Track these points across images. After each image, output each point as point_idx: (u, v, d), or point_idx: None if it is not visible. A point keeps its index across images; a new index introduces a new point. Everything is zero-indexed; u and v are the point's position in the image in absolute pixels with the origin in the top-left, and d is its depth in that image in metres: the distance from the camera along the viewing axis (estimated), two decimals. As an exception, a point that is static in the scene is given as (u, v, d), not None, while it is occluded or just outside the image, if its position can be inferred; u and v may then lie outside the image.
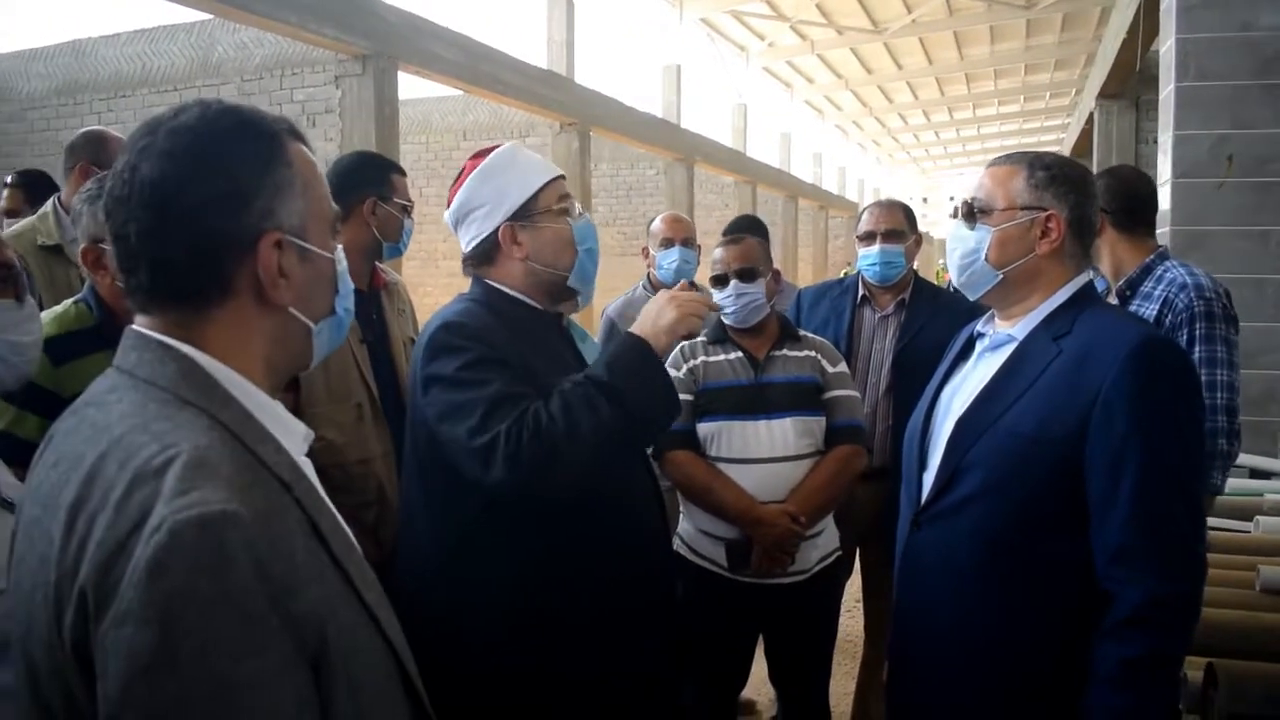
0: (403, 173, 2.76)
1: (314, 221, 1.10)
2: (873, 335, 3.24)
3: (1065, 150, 13.85)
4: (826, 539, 2.70)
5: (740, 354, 2.70)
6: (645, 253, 3.95)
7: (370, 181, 2.63)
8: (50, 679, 0.91)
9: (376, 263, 2.72)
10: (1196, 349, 2.58)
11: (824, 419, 2.66)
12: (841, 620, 3.25)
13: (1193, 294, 2.60)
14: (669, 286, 3.77)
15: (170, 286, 1.02)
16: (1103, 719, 1.58)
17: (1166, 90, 4.93)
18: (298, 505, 0.98)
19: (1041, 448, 1.65)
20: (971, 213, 1.82)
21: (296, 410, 2.33)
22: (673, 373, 2.63)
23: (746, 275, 2.68)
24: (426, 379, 1.83)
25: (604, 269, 2.09)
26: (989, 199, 1.80)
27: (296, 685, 0.89)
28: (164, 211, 1.00)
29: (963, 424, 1.77)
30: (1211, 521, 2.90)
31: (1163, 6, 5.07)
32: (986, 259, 1.79)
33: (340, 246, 1.17)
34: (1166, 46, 4.95)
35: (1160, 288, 2.68)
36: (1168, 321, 2.60)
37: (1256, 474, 3.98)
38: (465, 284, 2.07)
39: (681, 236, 3.82)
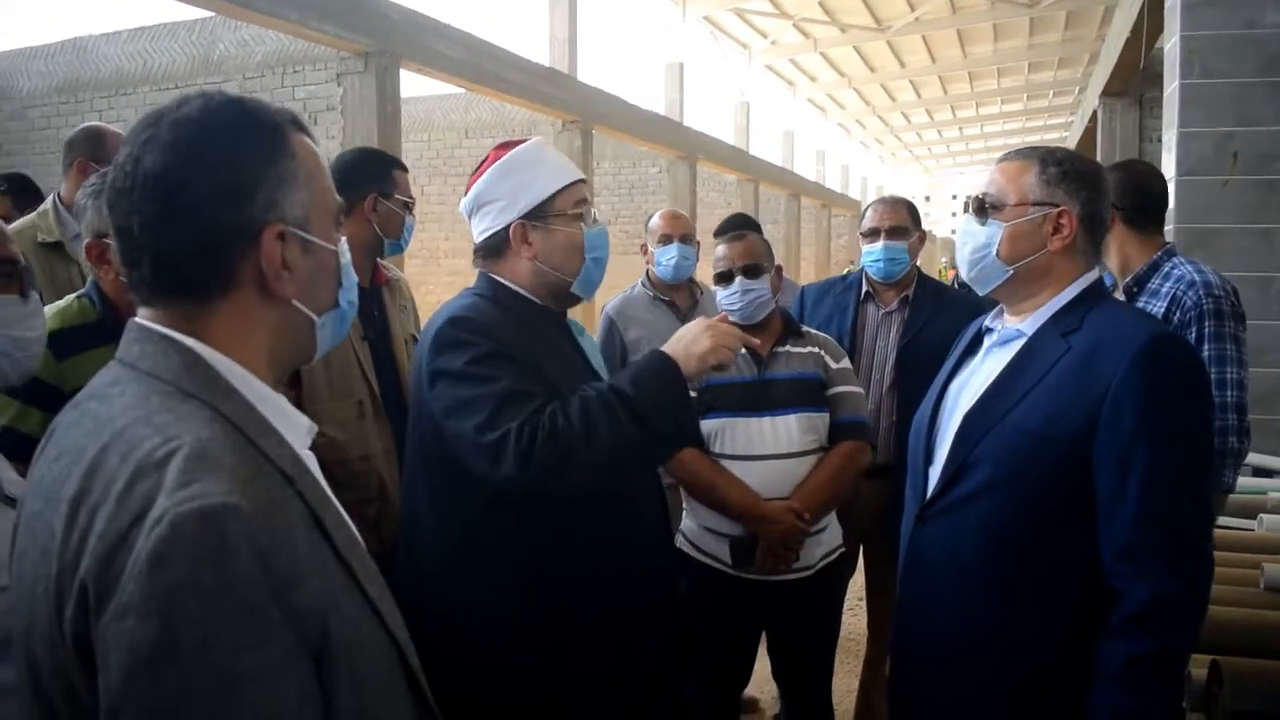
0: (404, 169, 2.75)
1: (317, 213, 1.09)
2: (876, 332, 3.23)
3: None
4: (830, 535, 2.69)
5: (744, 350, 2.69)
6: (644, 249, 3.94)
7: (372, 177, 2.63)
8: (51, 673, 0.90)
9: (378, 259, 2.71)
10: (1206, 347, 2.56)
11: (828, 415, 2.66)
12: (845, 618, 3.24)
13: (1201, 292, 2.58)
14: (668, 283, 3.79)
15: (173, 279, 1.02)
16: (1107, 717, 1.57)
17: (1171, 88, 4.92)
18: (300, 498, 0.97)
19: (1049, 444, 1.64)
20: (983, 208, 1.81)
21: (298, 406, 2.32)
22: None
23: (752, 271, 2.67)
24: (433, 373, 1.82)
25: (607, 267, 2.08)
26: (1000, 194, 1.79)
27: (299, 678, 0.88)
28: (167, 204, 0.99)
29: (970, 419, 1.77)
30: (1215, 520, 2.89)
31: (1167, 4, 5.05)
32: (997, 254, 1.78)
33: (344, 238, 1.16)
34: (1171, 44, 4.93)
35: (1168, 285, 2.66)
36: (1176, 319, 2.59)
37: (1260, 472, 3.98)
38: (466, 283, 2.07)
39: (680, 233, 3.81)
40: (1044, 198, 1.75)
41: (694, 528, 2.69)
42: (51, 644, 0.90)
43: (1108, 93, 9.65)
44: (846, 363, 2.78)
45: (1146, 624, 1.55)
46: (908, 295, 3.24)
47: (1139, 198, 2.73)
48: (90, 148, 3.12)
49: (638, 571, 1.94)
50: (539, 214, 1.93)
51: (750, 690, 3.43)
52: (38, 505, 0.97)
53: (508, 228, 1.93)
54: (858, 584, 3.51)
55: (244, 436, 0.97)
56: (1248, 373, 2.63)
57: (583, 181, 2.01)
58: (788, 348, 2.71)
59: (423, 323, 2.83)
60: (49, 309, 2.11)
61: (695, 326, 1.88)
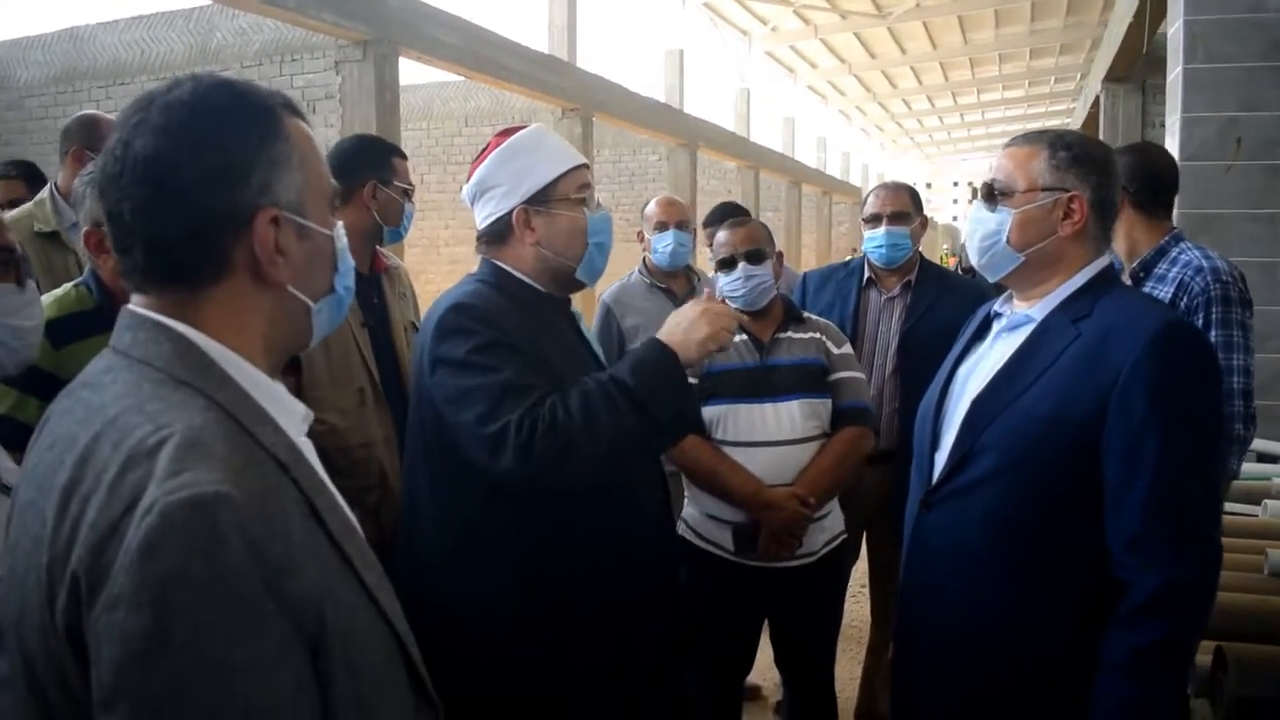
0: (404, 156, 2.74)
1: (312, 197, 1.07)
2: (878, 317, 3.22)
3: (1070, 134, 13.75)
4: (832, 522, 2.69)
5: (745, 337, 2.68)
6: (640, 237, 3.92)
7: (371, 164, 2.62)
8: (45, 665, 0.89)
9: (377, 247, 2.70)
10: (1212, 333, 2.54)
11: (830, 401, 2.65)
12: (848, 605, 3.24)
13: (1209, 277, 2.56)
14: (665, 270, 3.78)
15: (165, 265, 1.00)
16: (1113, 706, 1.56)
17: (1174, 73, 4.89)
18: (295, 486, 0.96)
19: (1057, 430, 1.63)
20: (992, 194, 1.79)
21: (298, 394, 2.32)
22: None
23: (754, 257, 2.66)
24: (435, 360, 1.81)
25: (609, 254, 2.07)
26: (1009, 180, 1.77)
27: (293, 668, 0.87)
28: (158, 188, 0.97)
29: (978, 405, 1.75)
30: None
31: (1170, -12, 5.02)
32: (1008, 241, 1.76)
33: (340, 223, 1.15)
34: (1174, 28, 4.90)
35: (1175, 270, 2.64)
36: (1183, 304, 2.57)
37: (1265, 458, 3.97)
38: (466, 272, 2.06)
39: (676, 219, 3.79)
40: (1054, 183, 1.73)
41: (696, 515, 2.68)
42: (44, 635, 0.89)
43: (1110, 78, 9.61)
44: (848, 348, 2.77)
45: (1154, 613, 1.54)
46: (910, 281, 3.23)
47: (1149, 181, 2.70)
48: (86, 136, 3.10)
49: (639, 561, 1.94)
50: (541, 199, 1.92)
51: (753, 678, 3.42)
52: (31, 494, 0.96)
53: (511, 213, 1.92)
54: (860, 571, 3.50)
55: (237, 424, 0.95)
56: (1253, 359, 2.62)
57: (585, 166, 2.00)
58: (789, 333, 2.70)
59: (423, 311, 2.83)
60: (46, 297, 2.11)
61: (690, 311, 1.87)
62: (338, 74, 6.87)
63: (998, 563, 1.69)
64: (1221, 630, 2.14)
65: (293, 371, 2.34)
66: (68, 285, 2.18)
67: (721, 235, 2.76)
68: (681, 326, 1.84)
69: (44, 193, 3.16)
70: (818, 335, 2.72)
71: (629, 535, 1.92)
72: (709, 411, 2.62)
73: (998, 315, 1.89)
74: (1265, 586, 2.46)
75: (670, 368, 1.79)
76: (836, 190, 22.25)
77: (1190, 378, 1.60)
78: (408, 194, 2.68)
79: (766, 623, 2.77)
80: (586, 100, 9.68)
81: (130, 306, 1.03)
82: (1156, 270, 2.69)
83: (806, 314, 2.82)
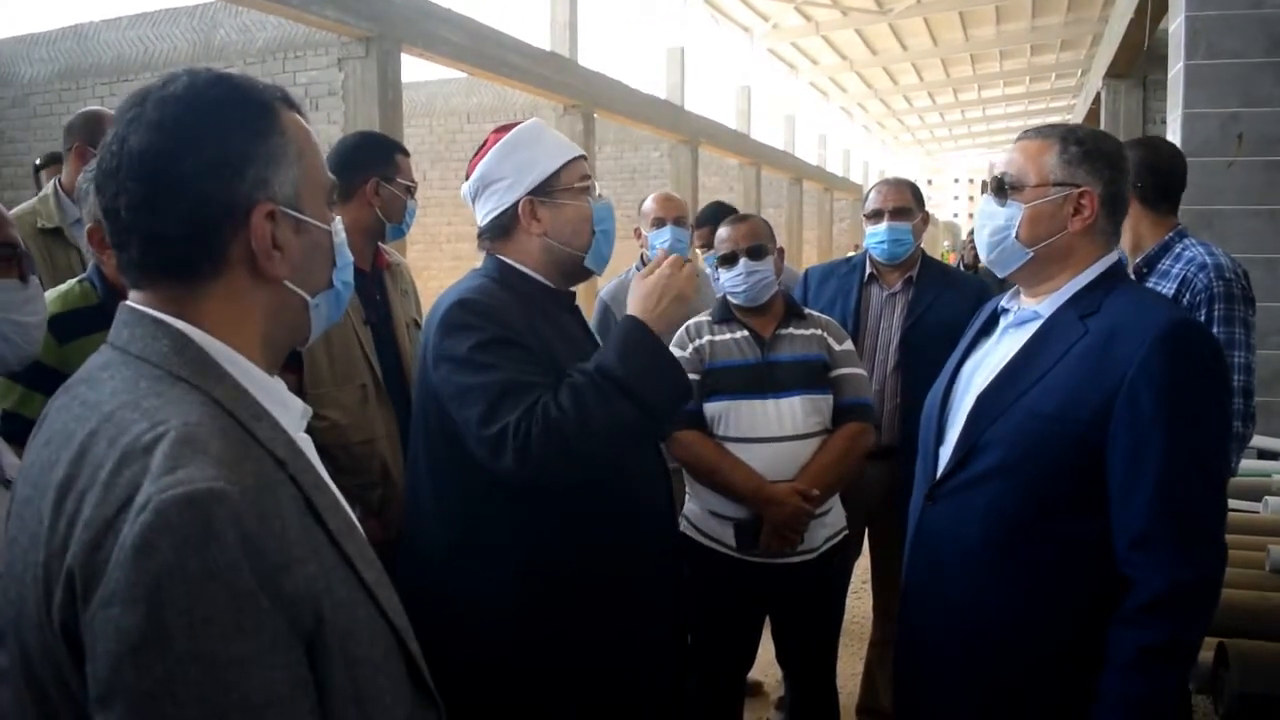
0: (406, 153, 2.74)
1: (309, 191, 1.07)
2: (880, 313, 3.22)
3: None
4: (834, 518, 2.69)
5: (746, 333, 2.68)
6: (638, 234, 3.90)
7: (373, 161, 2.62)
8: (42, 661, 0.89)
9: (380, 243, 2.70)
10: (1215, 330, 2.53)
11: (831, 397, 2.65)
12: (850, 600, 3.24)
13: (1212, 274, 2.55)
14: None
15: (162, 261, 1.00)
16: (1117, 704, 1.56)
17: (1176, 68, 4.89)
18: (292, 482, 0.95)
19: (1062, 428, 1.62)
20: (1002, 188, 1.77)
21: (300, 391, 2.32)
22: (678, 352, 2.62)
23: (756, 253, 2.66)
24: (438, 357, 1.81)
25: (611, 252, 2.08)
26: (1020, 174, 1.75)
27: (289, 664, 0.87)
28: (154, 183, 0.97)
29: (983, 401, 1.75)
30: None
31: (1172, -16, 5.02)
32: (1017, 236, 1.75)
33: (338, 218, 1.14)
34: (1176, 24, 4.90)
35: (1179, 266, 2.63)
36: (1185, 301, 2.56)
37: (1266, 454, 3.97)
38: (468, 268, 2.06)
39: (673, 215, 3.77)
40: (1065, 178, 1.72)
41: (697, 511, 2.68)
42: (41, 632, 0.89)
43: (1112, 74, 9.60)
44: (849, 344, 2.77)
45: (1159, 613, 1.53)
46: (911, 277, 3.22)
47: (1156, 176, 2.69)
48: (89, 132, 3.11)
49: (643, 556, 1.94)
50: (545, 189, 1.93)
51: (754, 674, 3.42)
52: (28, 491, 0.96)
53: (516, 205, 1.92)
54: (863, 567, 3.50)
55: (234, 420, 0.95)
56: (1254, 356, 2.61)
57: (583, 157, 2.01)
58: (790, 330, 2.70)
59: (424, 308, 2.83)
60: (50, 293, 2.11)
61: (651, 281, 1.87)
62: (341, 71, 6.87)
63: (1000, 559, 1.68)
64: (1223, 627, 2.15)
65: (294, 369, 2.35)
66: (72, 281, 2.19)
67: (723, 231, 2.76)
68: (648, 296, 1.85)
69: (47, 189, 3.17)
70: (819, 331, 2.72)
71: (633, 530, 1.92)
72: (711, 408, 2.62)
73: (1004, 311, 1.88)
74: (1267, 583, 2.46)
75: (650, 342, 1.79)
76: (837, 187, 22.24)
77: (1198, 377, 1.59)
78: (410, 191, 2.69)
79: (768, 619, 2.77)
80: (588, 97, 9.67)
81: (128, 303, 1.03)
82: (1160, 266, 2.68)
83: (808, 310, 2.82)
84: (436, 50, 7.24)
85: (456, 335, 1.79)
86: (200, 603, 0.82)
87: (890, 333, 3.18)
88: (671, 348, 2.62)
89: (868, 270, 3.29)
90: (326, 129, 7.00)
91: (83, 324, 2.05)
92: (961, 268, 3.68)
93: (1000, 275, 1.85)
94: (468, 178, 1.99)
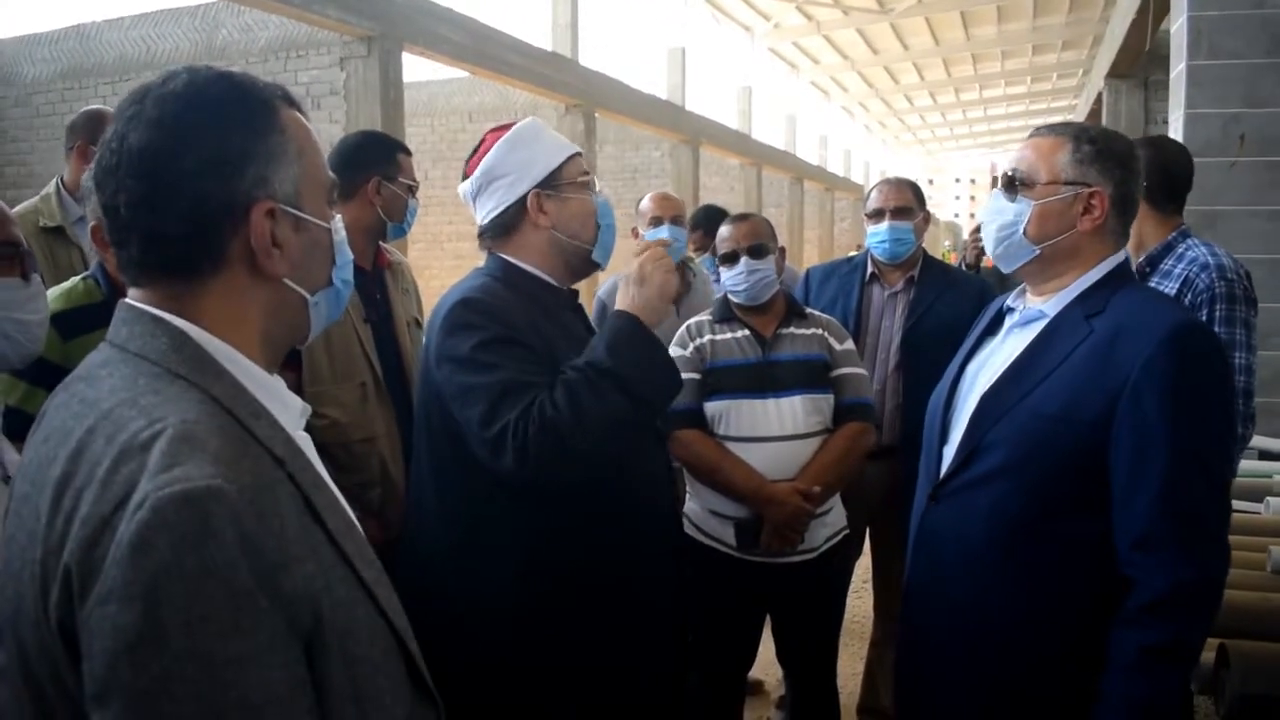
0: (408, 152, 2.74)
1: (309, 189, 1.07)
2: (881, 313, 3.22)
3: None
4: (834, 518, 2.69)
5: (747, 332, 2.68)
6: (635, 233, 3.90)
7: (375, 161, 2.62)
8: (39, 659, 0.89)
9: (381, 243, 2.70)
10: (1216, 330, 2.54)
11: (832, 397, 2.64)
12: (850, 600, 3.24)
13: (1214, 274, 2.54)
14: None
15: (161, 258, 1.00)
16: (1120, 704, 1.55)
17: (1177, 69, 4.88)
18: (291, 481, 0.95)
19: (1066, 429, 1.62)
20: (1012, 184, 1.76)
21: (299, 389, 2.33)
22: (679, 351, 2.63)
23: (757, 252, 2.66)
24: (441, 355, 1.81)
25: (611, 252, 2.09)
26: (1031, 171, 1.75)
27: (288, 663, 0.87)
28: (153, 181, 0.97)
29: (986, 401, 1.74)
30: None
31: (1174, -16, 5.01)
32: (1025, 233, 1.74)
33: (338, 216, 1.14)
34: (1178, 24, 4.90)
35: (1181, 266, 2.62)
36: (1187, 301, 2.55)
37: (1267, 455, 3.97)
38: (469, 267, 2.06)
39: (670, 214, 3.76)
40: (1076, 177, 1.71)
41: (698, 510, 2.68)
42: (38, 629, 0.88)
43: (1113, 74, 9.59)
44: (850, 344, 2.77)
45: (1162, 614, 1.53)
46: (913, 276, 3.22)
47: (1162, 176, 2.68)
48: (91, 131, 3.11)
49: (645, 556, 1.94)
50: (551, 183, 1.94)
51: (755, 673, 3.43)
52: (26, 488, 0.95)
53: (523, 199, 1.92)
54: (863, 566, 3.50)
55: (233, 418, 0.95)
56: (1255, 357, 2.61)
57: (581, 154, 2.02)
58: (791, 329, 2.70)
59: (426, 307, 2.83)
60: (54, 290, 2.13)
61: (633, 273, 1.87)
62: (342, 70, 6.87)
63: (1003, 559, 1.68)
64: (1224, 627, 2.14)
65: (293, 367, 2.35)
66: (75, 279, 2.20)
67: (724, 230, 2.76)
68: (634, 289, 1.85)
69: (49, 188, 3.17)
70: (820, 331, 2.72)
71: (636, 531, 1.92)
72: (711, 407, 2.62)
73: (1010, 310, 1.88)
74: (1268, 584, 2.46)
75: (640, 334, 1.80)
76: (838, 187, 22.24)
77: (1202, 378, 1.59)
78: (412, 190, 2.69)
79: (769, 618, 2.77)
80: (589, 96, 9.68)
81: (127, 300, 1.03)
82: (1163, 266, 2.67)
83: (809, 310, 2.82)
84: (438, 50, 7.24)
85: (459, 335, 1.79)
86: (197, 601, 0.81)
87: (891, 332, 3.18)
88: (672, 347, 2.63)
89: (869, 270, 3.29)
90: (328, 128, 7.00)
91: (86, 321, 2.07)
92: (963, 267, 3.68)
93: (1006, 271, 1.84)
94: (466, 177, 1.99)
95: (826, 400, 2.63)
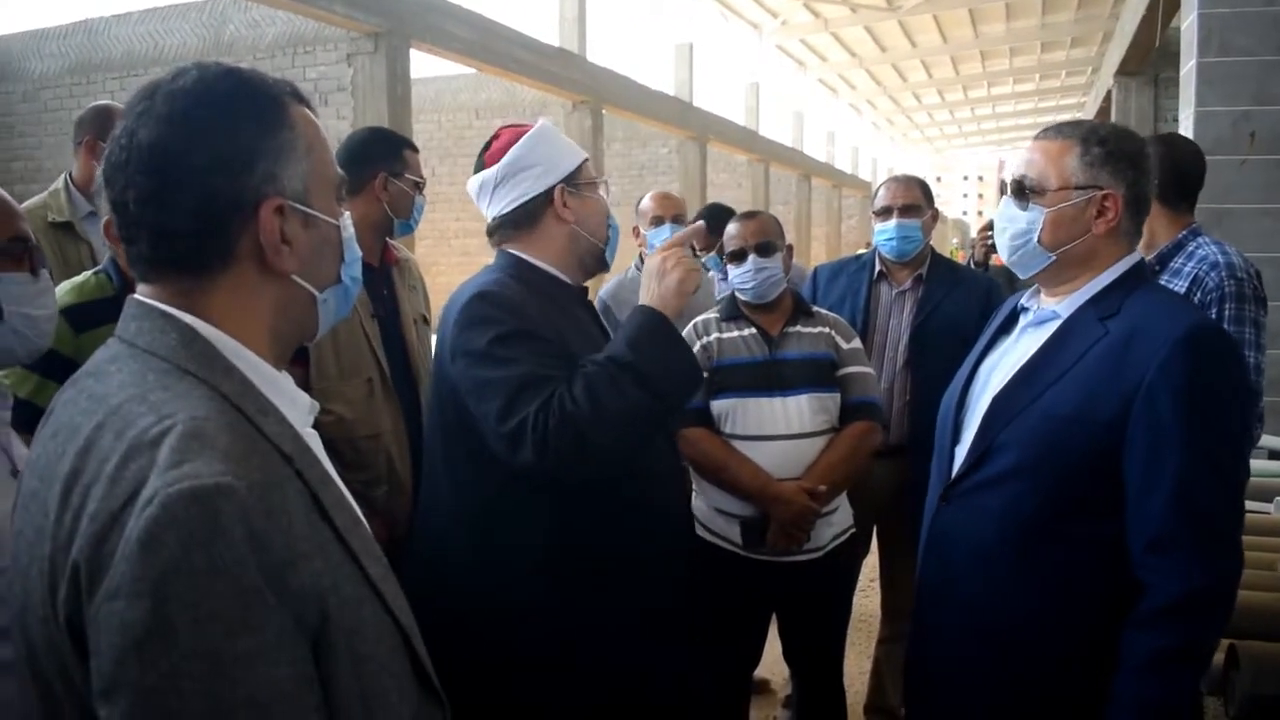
0: (415, 149, 2.74)
1: (318, 186, 1.06)
2: (890, 311, 3.21)
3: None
4: (840, 517, 2.68)
5: (754, 330, 2.67)
6: (636, 233, 3.88)
7: (382, 157, 2.61)
8: (47, 654, 0.89)
9: (388, 239, 2.70)
10: (1223, 326, 2.52)
11: (839, 395, 2.64)
12: (858, 599, 3.23)
13: (1224, 273, 2.53)
14: None
15: (170, 254, 1.00)
16: (1132, 706, 1.55)
17: (1188, 66, 4.87)
18: (299, 478, 0.95)
19: (1078, 431, 1.60)
20: (1022, 191, 1.74)
21: (306, 384, 2.33)
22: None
23: (765, 250, 2.65)
24: (457, 349, 1.81)
25: (617, 250, 2.10)
26: (1041, 178, 1.72)
27: (295, 659, 0.86)
28: (162, 176, 0.97)
29: (999, 402, 1.73)
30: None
31: (1185, -19, 5.00)
32: (1039, 241, 1.72)
33: (347, 213, 1.14)
34: (1188, 22, 4.88)
35: (1191, 264, 2.60)
36: (1197, 299, 2.54)
37: (1276, 455, 3.96)
38: (476, 264, 2.06)
39: (672, 213, 3.75)
40: (1087, 181, 1.68)
41: (704, 509, 2.68)
42: (46, 625, 0.89)
43: (1123, 72, 9.58)
44: (857, 343, 2.76)
45: (1175, 618, 1.52)
46: (921, 274, 3.21)
47: (1174, 174, 2.66)
48: (99, 126, 3.11)
49: (659, 555, 1.94)
50: (574, 180, 1.97)
51: (761, 671, 3.42)
52: (34, 484, 0.95)
53: (548, 192, 1.94)
54: (870, 565, 3.50)
55: (241, 415, 0.94)
56: (1265, 357, 2.60)
57: (589, 159, 2.06)
58: (798, 328, 2.69)
59: (433, 304, 2.83)
60: (67, 284, 2.15)
61: (653, 267, 1.87)
62: (350, 66, 6.89)
63: (1014, 560, 1.67)
64: (1234, 628, 2.13)
65: (300, 363, 2.35)
66: (88, 273, 2.23)
67: (732, 228, 2.75)
68: (654, 286, 1.85)
69: (58, 183, 3.17)
70: (827, 330, 2.71)
71: (650, 530, 1.92)
72: (717, 405, 2.61)
73: (1024, 309, 1.86)
74: (1278, 585, 2.45)
75: (660, 329, 1.80)
76: (846, 184, 22.22)
77: (1217, 381, 1.57)
78: (418, 186, 2.69)
79: (775, 617, 2.76)
80: (597, 93, 9.68)
81: (136, 296, 1.03)
82: (1172, 264, 2.66)
83: (816, 308, 2.81)
84: (445, 46, 7.24)
85: (476, 328, 1.79)
86: (206, 598, 0.81)
87: (899, 330, 3.17)
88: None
89: (877, 268, 3.28)
90: (336, 124, 7.02)
91: (99, 314, 2.09)
92: (971, 265, 3.67)
93: (1022, 277, 1.83)
94: (485, 167, 1.98)
95: (833, 399, 2.62)
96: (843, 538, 2.68)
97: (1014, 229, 1.76)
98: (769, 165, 16.01)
